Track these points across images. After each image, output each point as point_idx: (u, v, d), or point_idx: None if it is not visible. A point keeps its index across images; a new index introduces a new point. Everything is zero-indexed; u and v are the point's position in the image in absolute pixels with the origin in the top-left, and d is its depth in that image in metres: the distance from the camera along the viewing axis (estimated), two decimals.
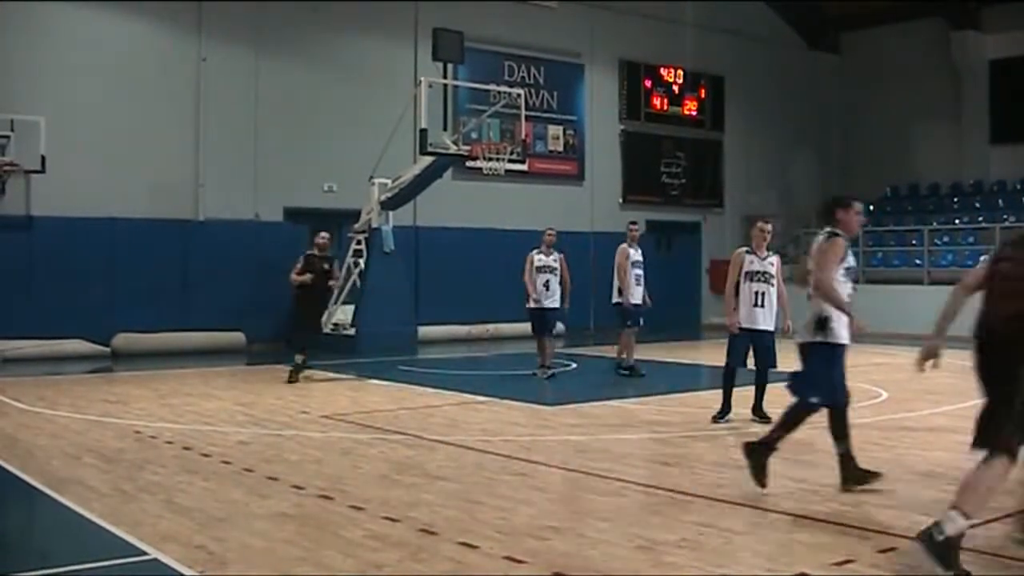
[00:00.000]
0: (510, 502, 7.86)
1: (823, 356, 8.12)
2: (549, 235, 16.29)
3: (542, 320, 16.12)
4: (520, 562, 6.27)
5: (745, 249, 11.75)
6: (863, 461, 8.31)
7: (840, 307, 7.99)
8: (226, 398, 14.07)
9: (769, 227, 11.74)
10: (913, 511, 7.47)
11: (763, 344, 11.47)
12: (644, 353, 17.29)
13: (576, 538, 6.83)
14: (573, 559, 6.37)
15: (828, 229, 8.18)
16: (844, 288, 8.10)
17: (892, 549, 6.54)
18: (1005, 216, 27.05)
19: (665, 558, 6.39)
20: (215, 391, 14.87)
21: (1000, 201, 29.17)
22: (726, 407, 11.66)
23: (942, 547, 5.79)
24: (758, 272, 11.51)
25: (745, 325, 11.48)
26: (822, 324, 8.04)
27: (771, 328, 11.52)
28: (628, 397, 13.86)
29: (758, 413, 11.53)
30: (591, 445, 10.48)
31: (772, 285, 11.53)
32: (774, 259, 11.71)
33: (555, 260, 16.13)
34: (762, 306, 11.46)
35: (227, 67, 22.05)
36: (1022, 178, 29.73)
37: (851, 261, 8.27)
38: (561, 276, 16.12)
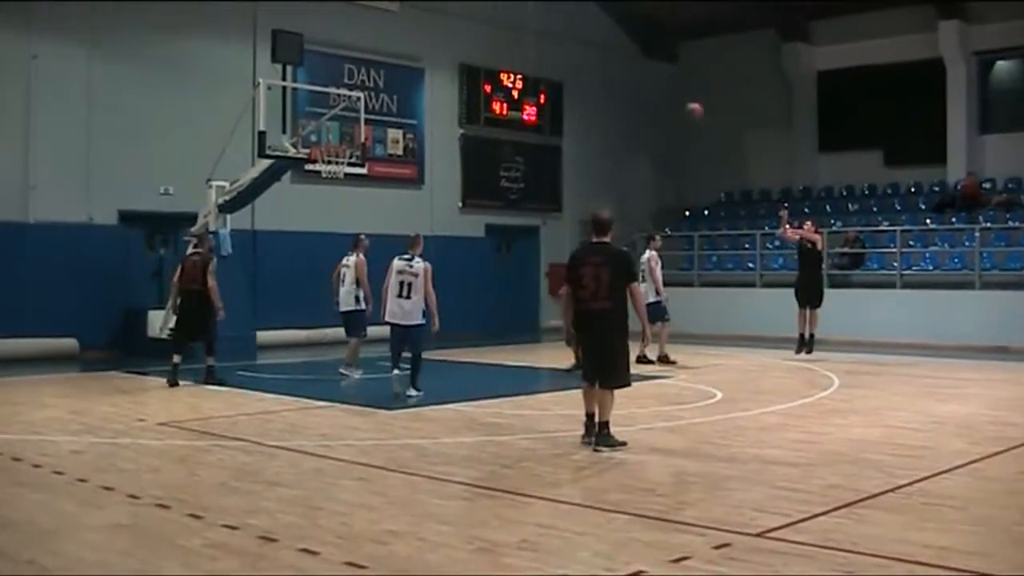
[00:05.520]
0: (350, 507, 7.84)
1: None
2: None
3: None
4: (361, 567, 6.26)
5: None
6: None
7: None
8: (58, 406, 13.58)
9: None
10: (746, 507, 7.70)
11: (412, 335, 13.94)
12: (482, 356, 17.31)
13: (416, 542, 6.85)
14: (413, 563, 6.39)
15: None
16: None
17: (727, 545, 6.72)
18: (832, 221, 27.98)
19: (504, 559, 6.46)
20: (46, 399, 14.33)
21: (827, 207, 30.20)
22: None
23: None
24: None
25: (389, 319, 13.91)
26: None
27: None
28: (467, 400, 13.85)
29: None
30: (430, 448, 10.50)
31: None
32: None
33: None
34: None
35: (58, 66, 21.38)
36: (847, 184, 30.91)
37: None
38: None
